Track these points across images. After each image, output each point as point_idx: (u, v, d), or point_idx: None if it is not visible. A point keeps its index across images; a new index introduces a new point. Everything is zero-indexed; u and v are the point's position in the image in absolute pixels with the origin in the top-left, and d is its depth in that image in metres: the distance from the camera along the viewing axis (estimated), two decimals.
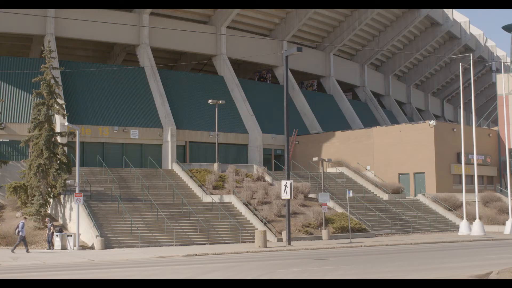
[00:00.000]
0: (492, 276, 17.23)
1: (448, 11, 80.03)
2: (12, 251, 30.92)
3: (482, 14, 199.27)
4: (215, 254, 29.43)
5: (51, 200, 38.75)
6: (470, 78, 54.08)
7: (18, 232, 31.50)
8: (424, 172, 51.64)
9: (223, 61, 61.79)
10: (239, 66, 68.72)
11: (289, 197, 34.24)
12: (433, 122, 51.98)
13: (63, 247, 33.13)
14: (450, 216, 47.43)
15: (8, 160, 43.36)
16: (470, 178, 49.78)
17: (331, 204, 43.62)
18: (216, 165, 48.09)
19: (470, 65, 51.34)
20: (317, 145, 58.71)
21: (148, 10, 56.06)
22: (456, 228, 44.80)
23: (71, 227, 35.66)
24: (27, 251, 31.12)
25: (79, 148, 36.53)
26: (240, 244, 35.06)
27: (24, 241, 31.42)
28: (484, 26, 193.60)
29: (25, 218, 33.88)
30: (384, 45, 76.55)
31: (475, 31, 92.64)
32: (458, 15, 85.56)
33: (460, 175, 47.91)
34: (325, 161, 45.12)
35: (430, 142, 51.18)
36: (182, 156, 53.39)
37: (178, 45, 60.28)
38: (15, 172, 40.78)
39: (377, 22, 73.84)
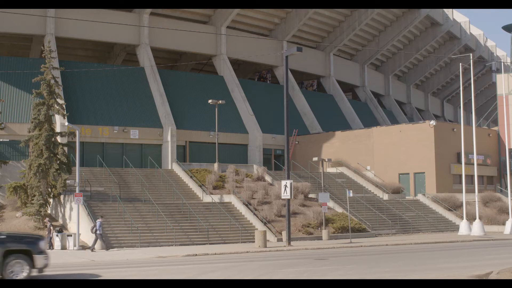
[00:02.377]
0: (492, 276, 17.23)
1: (448, 11, 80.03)
2: (92, 249, 31.72)
3: (482, 14, 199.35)
4: (215, 254, 29.43)
5: (51, 200, 38.75)
6: (470, 78, 54.08)
7: (96, 230, 32.04)
8: (424, 172, 51.63)
9: (223, 61, 61.80)
10: (239, 66, 68.72)
11: (289, 197, 34.23)
12: (433, 122, 51.97)
13: (63, 247, 33.13)
14: (450, 216, 47.43)
15: (8, 160, 43.34)
16: (470, 178, 49.76)
17: (331, 204, 43.62)
18: (216, 165, 48.08)
19: (470, 65, 51.34)
20: (317, 145, 58.70)
21: (148, 10, 56.07)
22: (456, 228, 44.80)
23: (71, 227, 35.66)
24: (92, 249, 31.82)
25: (79, 148, 36.52)
26: (240, 244, 35.06)
27: (98, 239, 32.07)
28: (484, 26, 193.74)
29: (101, 216, 33.68)
30: (384, 45, 76.55)
31: (475, 31, 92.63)
32: (458, 15, 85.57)
33: (460, 175, 47.90)
34: (325, 161, 45.11)
35: (430, 142, 51.16)
36: (182, 156, 53.39)
37: (178, 45, 60.28)
38: (15, 172, 40.76)
39: (377, 22, 73.85)
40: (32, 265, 18.56)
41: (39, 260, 18.70)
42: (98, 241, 32.34)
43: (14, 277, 18.18)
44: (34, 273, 18.69)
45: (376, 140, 55.11)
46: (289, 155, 36.62)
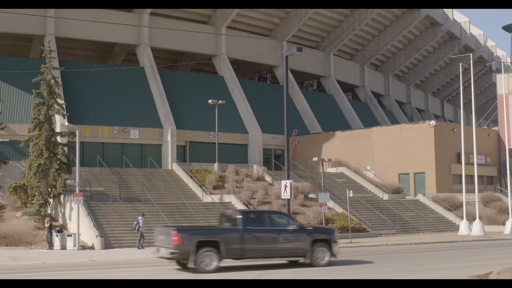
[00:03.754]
0: (492, 276, 17.23)
1: (448, 11, 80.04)
2: (139, 247, 32.23)
3: (482, 14, 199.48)
4: None
5: (51, 200, 38.75)
6: (470, 78, 54.06)
7: (138, 228, 32.53)
8: (424, 172, 51.62)
9: (223, 61, 61.80)
10: (239, 66, 68.72)
11: (289, 197, 34.13)
12: (433, 122, 51.96)
13: (63, 247, 33.12)
14: (450, 216, 47.42)
15: (8, 160, 43.35)
16: (470, 178, 49.75)
17: (331, 204, 43.62)
18: (216, 165, 48.09)
19: (470, 65, 51.35)
20: (317, 145, 58.70)
21: (148, 10, 56.07)
22: (456, 228, 44.79)
23: (71, 227, 35.65)
24: (142, 247, 32.22)
25: (79, 148, 36.51)
26: None
27: (142, 237, 32.51)
28: (484, 26, 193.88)
29: (143, 215, 34.18)
30: (384, 45, 76.55)
31: (475, 31, 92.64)
32: (458, 15, 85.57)
33: (460, 175, 47.89)
34: (325, 161, 45.09)
35: (430, 142, 51.16)
36: (182, 156, 53.39)
37: (178, 45, 60.29)
38: (15, 172, 40.77)
39: (377, 22, 73.85)
40: (330, 252, 22.10)
41: (335, 248, 22.38)
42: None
43: (320, 262, 21.78)
44: (332, 259, 22.19)
45: (376, 140, 55.10)
46: (289, 155, 36.53)
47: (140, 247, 32.26)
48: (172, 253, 20.31)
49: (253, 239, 21.08)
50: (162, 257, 21.09)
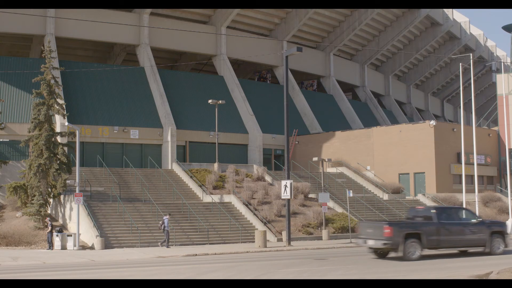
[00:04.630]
0: (492, 276, 17.23)
1: (448, 11, 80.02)
2: (165, 246, 32.90)
3: (482, 14, 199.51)
4: (215, 254, 29.43)
5: (51, 200, 38.75)
6: (470, 78, 54.06)
7: (164, 228, 33.06)
8: (424, 172, 51.60)
9: (223, 61, 61.79)
10: (239, 66, 68.71)
11: (289, 197, 34.22)
12: (433, 122, 51.95)
13: (63, 247, 33.13)
14: None
15: (8, 160, 43.36)
16: (470, 178, 49.72)
17: (331, 204, 43.61)
18: (216, 165, 48.08)
19: (470, 65, 51.35)
20: (317, 145, 58.68)
21: (148, 10, 56.07)
22: None
23: (71, 227, 35.66)
24: (168, 246, 32.93)
25: (79, 148, 36.52)
26: (240, 244, 35.07)
27: (167, 236, 33.11)
28: (484, 26, 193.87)
29: (169, 214, 34.84)
30: (384, 45, 76.54)
31: (475, 31, 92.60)
32: (458, 15, 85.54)
33: (460, 175, 47.88)
34: (325, 161, 45.09)
35: (430, 142, 51.15)
36: (182, 156, 53.38)
37: (178, 45, 60.27)
38: (15, 172, 40.78)
39: (377, 22, 73.84)
40: (504, 242, 25.62)
41: (507, 239, 25.84)
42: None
43: (496, 251, 25.24)
44: (505, 248, 25.57)
45: (376, 140, 55.08)
46: (289, 155, 36.60)
47: (167, 246, 32.81)
48: (384, 243, 23.62)
49: (446, 231, 24.42)
50: (371, 247, 24.55)
